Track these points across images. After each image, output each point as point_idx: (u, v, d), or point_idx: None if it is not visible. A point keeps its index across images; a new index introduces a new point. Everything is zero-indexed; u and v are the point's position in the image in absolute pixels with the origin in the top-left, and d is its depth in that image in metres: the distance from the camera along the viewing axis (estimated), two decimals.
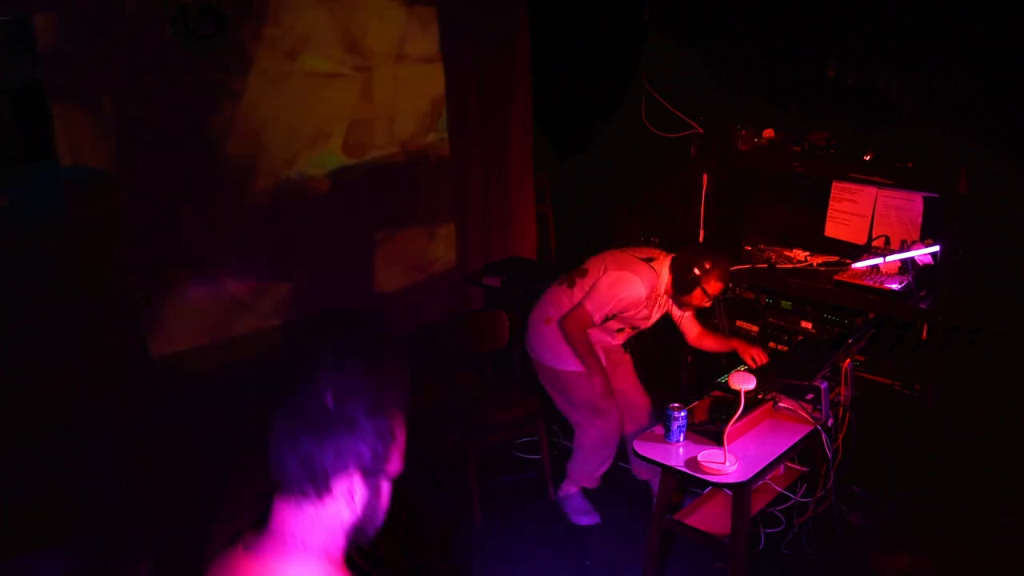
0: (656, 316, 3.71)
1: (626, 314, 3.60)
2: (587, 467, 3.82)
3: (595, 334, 3.67)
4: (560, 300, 3.66)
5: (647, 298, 3.55)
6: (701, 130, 4.52)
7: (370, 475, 1.33)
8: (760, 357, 3.68)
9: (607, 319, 3.58)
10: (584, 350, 3.57)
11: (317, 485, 1.32)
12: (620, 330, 3.76)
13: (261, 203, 4.49)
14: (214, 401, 3.90)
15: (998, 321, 3.56)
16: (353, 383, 1.34)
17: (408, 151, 5.04)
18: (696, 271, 3.44)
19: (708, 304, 3.57)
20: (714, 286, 3.47)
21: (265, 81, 4.34)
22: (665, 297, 3.64)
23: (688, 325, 3.82)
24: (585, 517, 3.85)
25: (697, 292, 3.48)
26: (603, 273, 3.55)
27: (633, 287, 3.51)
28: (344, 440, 1.31)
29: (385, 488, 1.37)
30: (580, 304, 3.53)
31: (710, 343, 3.85)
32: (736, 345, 3.77)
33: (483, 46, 5.15)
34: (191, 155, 4.18)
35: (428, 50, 4.99)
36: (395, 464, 1.37)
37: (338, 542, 1.37)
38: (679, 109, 4.68)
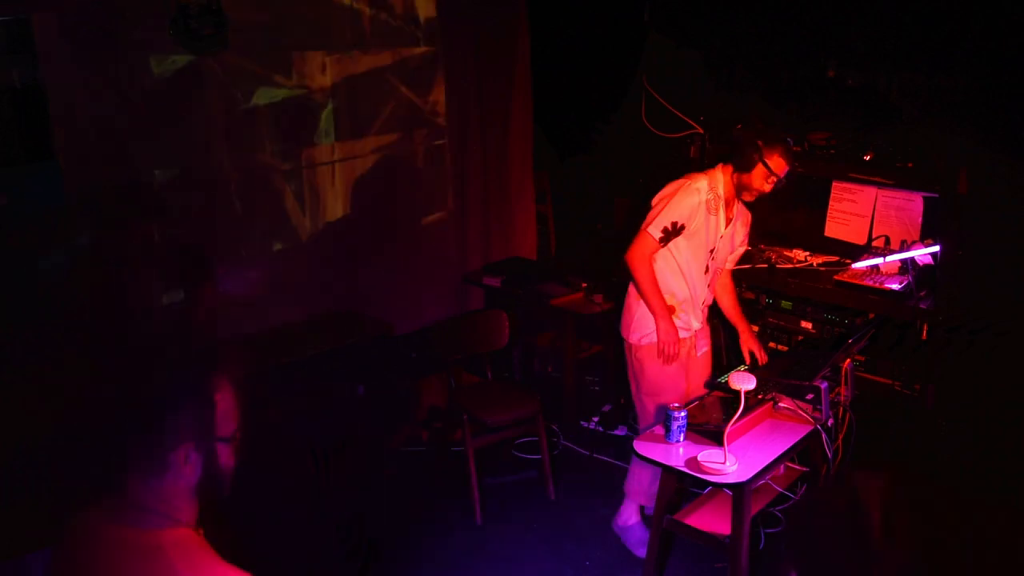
0: (727, 235, 3.51)
1: (694, 230, 3.41)
2: (643, 479, 3.62)
3: (678, 278, 3.49)
4: None
5: (707, 204, 3.39)
6: (701, 130, 4.52)
7: (202, 441, 1.56)
8: (760, 355, 3.67)
9: (670, 235, 3.39)
10: (649, 287, 3.41)
11: (151, 463, 1.55)
12: (706, 268, 3.52)
13: (261, 203, 4.49)
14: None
15: (998, 321, 3.56)
16: (172, 377, 1.63)
17: (408, 151, 5.04)
18: (759, 142, 3.26)
19: (768, 190, 3.36)
20: (778, 163, 3.27)
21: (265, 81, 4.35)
22: (732, 205, 3.46)
23: (724, 276, 3.70)
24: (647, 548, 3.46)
25: (759, 169, 3.29)
26: (655, 198, 3.45)
27: (686, 192, 3.36)
28: (171, 414, 1.56)
29: (223, 450, 1.60)
30: (639, 230, 3.42)
31: (728, 304, 3.72)
32: (742, 330, 3.71)
33: (483, 46, 5.15)
34: (191, 155, 4.18)
35: (428, 50, 4.99)
36: (224, 428, 1.60)
37: (186, 504, 1.59)
38: (679, 109, 4.68)
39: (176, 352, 1.74)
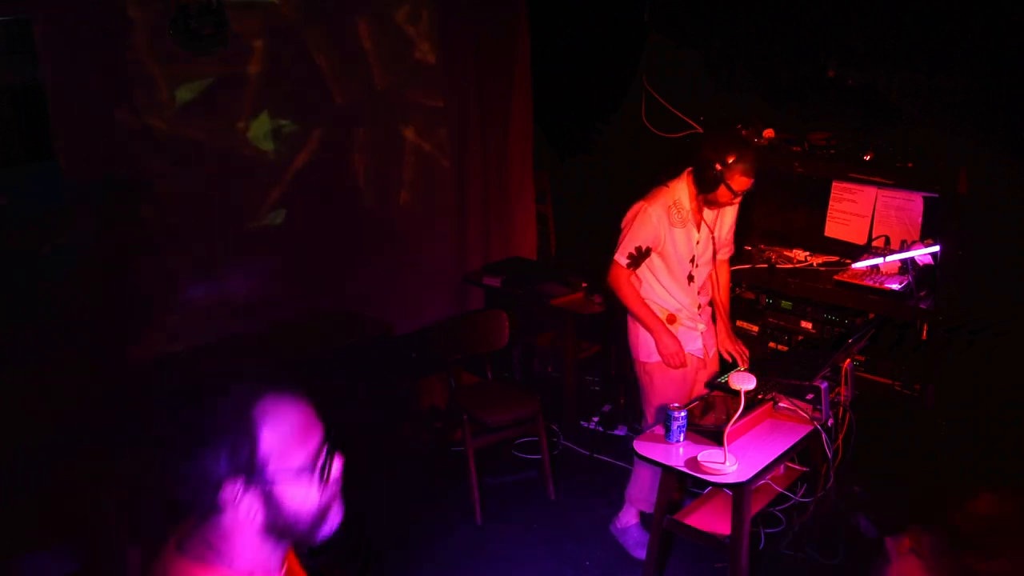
0: (704, 239, 3.48)
1: (664, 250, 3.41)
2: (644, 486, 3.62)
3: (665, 292, 3.50)
4: None
5: (671, 219, 3.37)
6: (701, 130, 4.52)
7: (252, 481, 1.30)
8: (737, 354, 3.64)
9: (637, 259, 3.41)
10: (636, 306, 3.44)
11: (202, 502, 1.31)
12: (690, 277, 3.50)
13: (260, 204, 4.49)
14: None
15: (998, 321, 3.56)
16: (203, 406, 1.34)
17: (408, 151, 5.04)
18: (717, 166, 3.23)
19: (735, 202, 3.38)
20: (739, 181, 3.25)
21: (265, 81, 4.35)
22: (701, 209, 3.44)
23: (719, 267, 3.67)
24: (645, 550, 3.47)
25: (722, 189, 3.27)
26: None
27: (644, 215, 3.36)
28: (205, 454, 1.29)
29: (290, 490, 1.32)
30: (612, 257, 3.45)
31: (717, 298, 3.68)
32: (720, 328, 3.67)
33: (483, 46, 5.15)
34: (190, 154, 4.18)
35: (428, 50, 4.99)
36: (286, 460, 1.31)
37: (256, 550, 1.35)
38: (679, 109, 4.68)
39: (222, 373, 1.51)
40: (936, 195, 3.84)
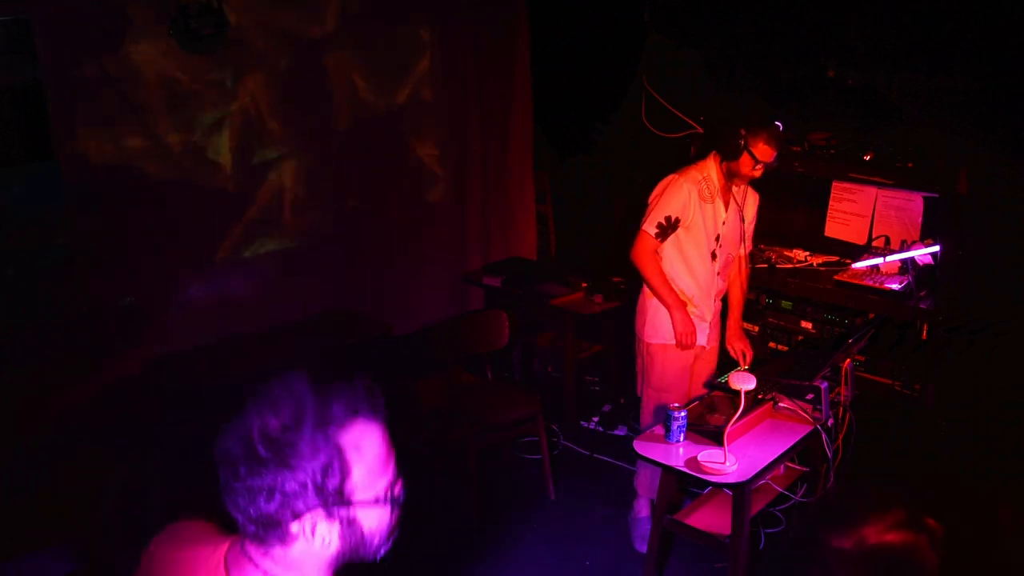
0: (731, 219, 3.51)
1: (691, 223, 3.44)
2: (646, 475, 3.67)
3: (684, 274, 3.53)
4: None
5: (700, 194, 3.42)
6: (701, 130, 4.52)
7: (331, 506, 1.20)
8: (748, 352, 3.66)
9: (666, 230, 3.43)
10: (658, 281, 3.47)
11: (267, 532, 1.20)
12: (713, 255, 3.52)
13: (261, 203, 4.49)
14: (213, 401, 3.90)
15: (998, 321, 3.56)
16: (277, 412, 1.20)
17: (408, 151, 5.04)
18: (742, 131, 3.30)
19: (759, 174, 3.39)
20: (762, 150, 3.30)
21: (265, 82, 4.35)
22: (729, 189, 3.49)
23: (738, 264, 3.70)
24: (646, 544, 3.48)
25: (744, 157, 3.33)
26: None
27: (676, 186, 3.41)
28: (280, 479, 1.17)
29: (365, 515, 1.24)
30: (639, 229, 3.47)
31: (733, 296, 3.71)
32: (731, 325, 3.69)
33: (483, 46, 5.15)
34: (190, 154, 4.18)
35: (428, 49, 4.99)
36: (365, 485, 1.23)
37: (315, 571, 1.26)
38: (679, 109, 4.68)
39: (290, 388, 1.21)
40: (936, 195, 3.84)
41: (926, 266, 3.78)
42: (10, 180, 3.36)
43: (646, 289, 3.61)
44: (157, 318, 4.15)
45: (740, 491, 2.98)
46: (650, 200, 3.49)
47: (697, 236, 3.48)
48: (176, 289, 4.22)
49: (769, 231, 4.46)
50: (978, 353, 3.59)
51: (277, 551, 1.23)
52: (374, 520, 1.26)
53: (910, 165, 3.85)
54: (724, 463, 2.93)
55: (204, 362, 4.06)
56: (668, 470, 3.07)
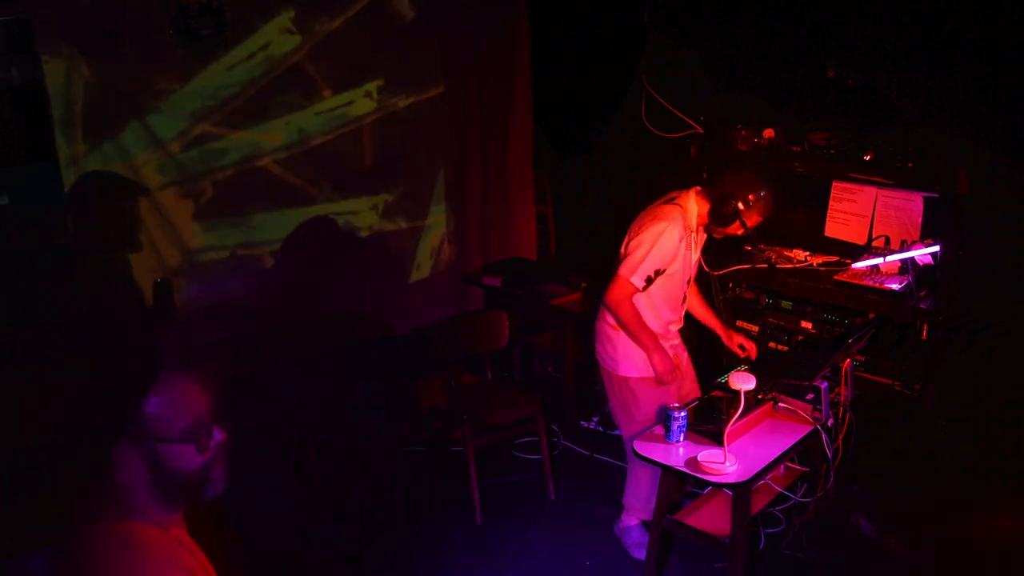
0: (697, 254, 3.48)
1: (672, 270, 3.35)
2: (641, 494, 3.60)
3: (657, 311, 3.43)
4: None
5: (682, 236, 3.31)
6: (701, 130, 4.52)
7: (135, 440, 1.51)
8: (748, 345, 3.64)
9: (651, 281, 3.31)
10: (636, 326, 3.32)
11: (99, 457, 1.56)
12: (682, 300, 3.50)
13: (261, 203, 4.49)
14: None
15: (998, 321, 3.56)
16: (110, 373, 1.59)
17: (408, 151, 5.04)
18: (740, 205, 3.22)
19: (741, 233, 3.36)
20: (754, 219, 3.28)
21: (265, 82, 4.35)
22: (698, 231, 3.41)
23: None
24: (644, 551, 3.46)
25: (736, 224, 3.28)
26: (633, 236, 3.34)
27: (668, 235, 3.26)
28: (100, 415, 1.56)
29: (178, 451, 1.51)
30: (616, 274, 3.31)
31: (700, 310, 3.66)
32: (720, 330, 3.65)
33: (483, 46, 5.15)
34: (190, 155, 4.18)
35: (428, 49, 4.99)
36: (168, 429, 1.51)
37: (148, 502, 1.54)
38: (679, 109, 4.68)
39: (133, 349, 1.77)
40: (936, 195, 3.84)
41: (926, 266, 3.78)
42: (10, 180, 3.35)
43: (610, 321, 3.46)
44: (157, 317, 4.15)
45: (740, 491, 2.98)
46: (635, 243, 3.30)
47: (675, 281, 3.41)
48: (176, 289, 4.22)
49: (769, 231, 4.46)
50: (978, 353, 3.59)
51: (115, 477, 1.55)
52: (177, 457, 1.52)
53: (910, 165, 3.85)
54: (724, 463, 2.93)
55: (204, 362, 4.06)
56: (668, 470, 3.07)
